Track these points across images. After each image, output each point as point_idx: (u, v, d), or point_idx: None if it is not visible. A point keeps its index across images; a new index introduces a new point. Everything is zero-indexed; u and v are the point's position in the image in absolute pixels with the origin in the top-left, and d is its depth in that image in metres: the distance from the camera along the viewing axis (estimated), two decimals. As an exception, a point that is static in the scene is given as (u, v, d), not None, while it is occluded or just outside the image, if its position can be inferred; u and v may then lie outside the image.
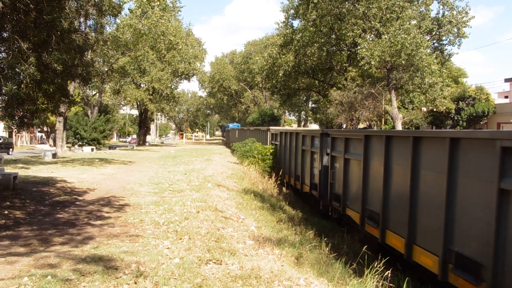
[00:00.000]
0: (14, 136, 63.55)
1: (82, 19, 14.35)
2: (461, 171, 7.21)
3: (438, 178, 7.74)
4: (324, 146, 15.51)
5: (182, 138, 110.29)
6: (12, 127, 13.28)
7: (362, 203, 11.41)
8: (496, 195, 6.20)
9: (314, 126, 73.60)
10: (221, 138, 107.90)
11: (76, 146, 46.15)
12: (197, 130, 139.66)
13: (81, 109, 54.12)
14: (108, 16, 14.96)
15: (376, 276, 7.29)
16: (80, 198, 13.58)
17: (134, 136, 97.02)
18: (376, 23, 29.94)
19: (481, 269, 6.52)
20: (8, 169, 18.34)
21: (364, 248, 9.05)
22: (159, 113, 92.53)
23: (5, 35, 11.17)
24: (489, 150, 6.45)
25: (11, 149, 36.00)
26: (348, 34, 32.69)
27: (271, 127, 29.98)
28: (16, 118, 12.54)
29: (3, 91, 10.76)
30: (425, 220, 8.28)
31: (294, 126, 78.98)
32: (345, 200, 13.10)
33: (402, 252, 9.00)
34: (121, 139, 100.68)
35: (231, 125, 71.71)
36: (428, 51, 30.67)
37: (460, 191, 7.23)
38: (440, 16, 34.20)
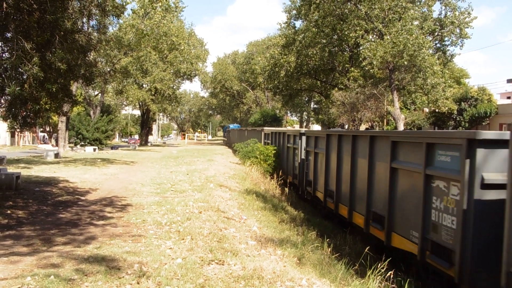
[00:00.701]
0: (16, 136, 63.61)
1: (85, 19, 14.36)
2: (375, 157, 11.03)
3: (365, 163, 11.53)
4: (302, 143, 19.47)
5: (184, 138, 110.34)
6: (16, 127, 13.29)
7: (324, 185, 15.29)
8: (389, 171, 9.89)
9: (316, 127, 73.60)
10: (222, 138, 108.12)
11: (78, 146, 46.19)
12: (199, 130, 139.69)
13: (84, 109, 54.18)
14: (111, 16, 14.96)
15: (379, 276, 7.29)
16: (82, 198, 13.60)
17: (135, 136, 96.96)
18: (379, 24, 29.91)
19: (383, 220, 10.11)
20: (11, 169, 18.38)
21: (367, 249, 9.05)
22: (161, 114, 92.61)
23: (9, 35, 11.19)
24: (387, 143, 10.15)
25: None
26: (350, 34, 32.64)
27: (264, 128, 34.21)
28: (19, 118, 12.56)
29: (6, 91, 10.78)
30: (358, 192, 12.09)
31: (296, 127, 79.00)
32: (314, 185, 17.04)
33: (346, 217, 12.88)
34: (123, 139, 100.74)
35: (231, 126, 75.33)
36: (431, 51, 30.67)
37: (375, 170, 11.06)
38: (442, 16, 34.15)
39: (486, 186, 7.27)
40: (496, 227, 6.72)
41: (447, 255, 7.71)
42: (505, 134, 7.10)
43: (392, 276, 7.44)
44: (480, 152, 7.30)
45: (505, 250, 6.29)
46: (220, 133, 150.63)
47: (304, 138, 19.33)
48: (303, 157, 19.22)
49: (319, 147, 16.62)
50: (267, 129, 32.36)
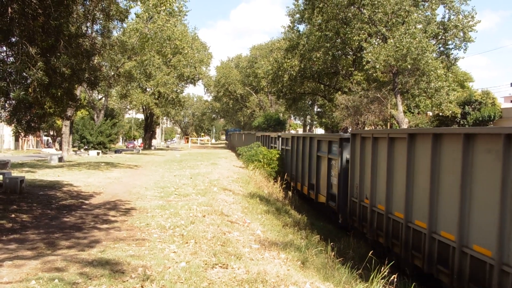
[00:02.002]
0: (20, 140, 63.81)
1: (89, 24, 14.44)
2: (312, 150, 18.60)
3: (307, 154, 19.34)
4: (279, 143, 27.44)
5: (187, 142, 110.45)
6: (20, 131, 13.34)
7: (290, 171, 23.17)
8: (316, 157, 18.02)
9: (320, 131, 73.49)
10: (225, 141, 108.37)
11: (82, 150, 46.32)
12: (202, 134, 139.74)
13: (87, 113, 54.30)
14: (115, 20, 15.03)
15: (382, 280, 7.27)
16: (86, 202, 13.64)
17: (138, 141, 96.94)
18: (382, 28, 29.91)
19: (314, 186, 18.04)
20: (15, 173, 18.45)
21: (371, 253, 9.04)
22: (164, 117, 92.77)
23: (14, 40, 11.25)
24: (315, 141, 18.40)
25: None
26: (353, 38, 32.63)
27: (257, 132, 43.08)
28: (23, 122, 12.61)
29: (11, 95, 10.83)
30: (304, 173, 19.81)
31: (300, 131, 78.98)
32: (285, 172, 24.13)
33: (300, 189, 20.86)
34: (126, 143, 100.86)
35: (232, 130, 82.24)
36: (434, 55, 30.60)
37: (312, 158, 18.58)
38: (446, 20, 34.06)
39: (346, 161, 14.48)
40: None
41: (335, 199, 15.33)
42: (367, 133, 13.14)
43: (396, 280, 7.43)
44: (345, 145, 14.63)
45: (349, 190, 13.87)
46: (224, 137, 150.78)
47: (280, 139, 27.51)
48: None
49: (288, 145, 24.28)
50: (259, 133, 40.23)
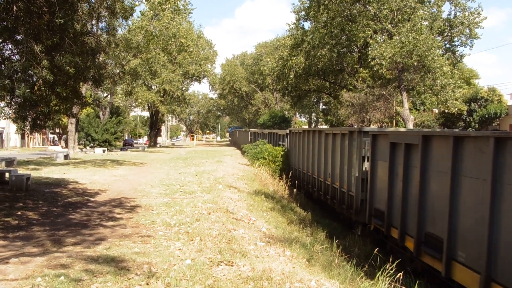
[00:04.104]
0: (26, 138, 64.06)
1: (94, 22, 14.45)
2: (276, 140, 30.66)
3: (275, 144, 30.45)
4: (261, 138, 35.84)
5: (192, 139, 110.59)
6: (25, 128, 13.37)
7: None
8: (277, 145, 29.26)
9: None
10: (229, 138, 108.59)
11: (87, 147, 46.43)
12: (208, 132, 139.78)
13: (93, 110, 54.42)
14: (120, 18, 15.02)
15: (388, 278, 7.25)
16: (92, 199, 13.67)
17: (142, 138, 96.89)
18: (387, 24, 29.77)
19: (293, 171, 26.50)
20: (21, 171, 18.53)
21: (377, 251, 9.01)
22: (170, 115, 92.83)
23: (19, 38, 11.27)
24: (277, 135, 31.30)
25: None
26: (359, 35, 32.50)
27: (251, 129, 51.45)
28: (29, 119, 12.63)
29: (16, 93, 10.85)
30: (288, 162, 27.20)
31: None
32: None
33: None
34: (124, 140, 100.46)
35: (234, 128, 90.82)
36: (440, 52, 30.42)
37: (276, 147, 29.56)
38: (452, 17, 33.89)
39: (291, 145, 25.23)
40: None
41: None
42: (293, 130, 25.84)
43: (401, 278, 7.40)
44: (288, 137, 26.78)
45: (290, 161, 25.31)
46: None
47: (262, 134, 37.24)
48: None
49: (266, 138, 33.77)
50: (252, 130, 49.06)
